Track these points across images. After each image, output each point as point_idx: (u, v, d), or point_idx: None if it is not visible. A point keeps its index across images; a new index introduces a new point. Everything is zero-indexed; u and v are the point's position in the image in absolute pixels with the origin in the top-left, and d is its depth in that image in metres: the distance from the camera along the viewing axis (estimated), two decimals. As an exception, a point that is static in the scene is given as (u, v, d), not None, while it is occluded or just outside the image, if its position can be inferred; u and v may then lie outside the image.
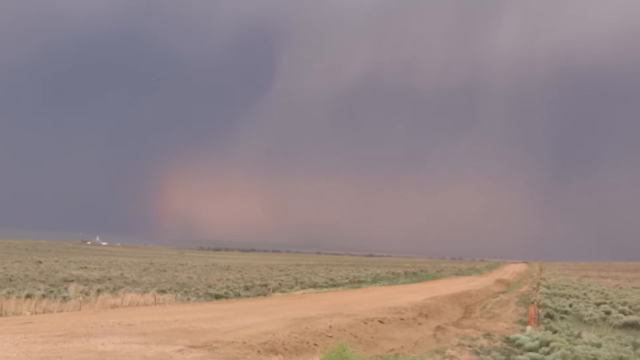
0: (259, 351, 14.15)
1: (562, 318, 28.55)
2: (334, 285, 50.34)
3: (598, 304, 34.44)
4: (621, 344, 19.81)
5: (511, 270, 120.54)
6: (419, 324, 24.26)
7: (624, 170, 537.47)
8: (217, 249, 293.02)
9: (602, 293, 45.72)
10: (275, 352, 14.47)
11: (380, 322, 22.01)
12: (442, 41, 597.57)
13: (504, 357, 17.07)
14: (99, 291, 34.16)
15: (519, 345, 19.27)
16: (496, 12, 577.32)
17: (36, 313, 24.34)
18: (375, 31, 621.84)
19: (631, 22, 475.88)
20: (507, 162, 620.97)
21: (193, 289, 39.64)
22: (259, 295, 37.92)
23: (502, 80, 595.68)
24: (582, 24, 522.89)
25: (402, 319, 23.84)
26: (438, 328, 23.37)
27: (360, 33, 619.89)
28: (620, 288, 56.33)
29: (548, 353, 16.93)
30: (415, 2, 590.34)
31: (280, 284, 46.60)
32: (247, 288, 41.75)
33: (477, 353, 17.61)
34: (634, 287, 58.78)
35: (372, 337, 19.10)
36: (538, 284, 59.47)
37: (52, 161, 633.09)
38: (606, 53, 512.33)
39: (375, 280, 61.06)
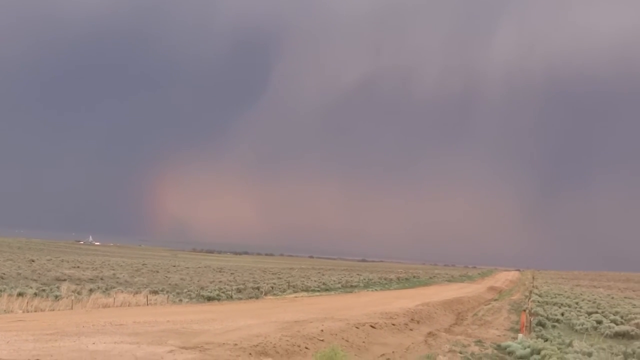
0: (250, 353, 14.13)
1: (553, 326, 28.64)
2: (327, 290, 50.35)
3: (590, 313, 34.42)
4: (612, 353, 19.84)
5: (503, 278, 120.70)
6: (411, 329, 24.27)
7: (616, 181, 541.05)
8: (210, 251, 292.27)
9: (594, 302, 45.73)
10: (267, 355, 14.45)
11: (372, 327, 22.02)
12: (438, 50, 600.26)
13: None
14: (91, 291, 34.04)
15: (510, 353, 19.30)
16: (494, 22, 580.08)
17: (28, 311, 24.27)
18: (371, 40, 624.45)
19: (630, 33, 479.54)
20: (500, 171, 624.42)
21: (185, 290, 39.54)
22: (251, 297, 37.88)
23: (496, 90, 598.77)
24: (580, 33, 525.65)
25: (393, 324, 23.86)
26: (429, 334, 23.39)
27: (356, 41, 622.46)
28: (612, 297, 56.40)
29: (539, 361, 16.98)
30: (412, 10, 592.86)
31: (272, 287, 46.52)
32: (239, 290, 41.68)
33: (468, 359, 17.65)
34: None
35: (363, 342, 19.09)
36: (530, 292, 59.53)
37: (46, 162, 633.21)
38: (602, 63, 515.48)
39: (368, 285, 61.09)
